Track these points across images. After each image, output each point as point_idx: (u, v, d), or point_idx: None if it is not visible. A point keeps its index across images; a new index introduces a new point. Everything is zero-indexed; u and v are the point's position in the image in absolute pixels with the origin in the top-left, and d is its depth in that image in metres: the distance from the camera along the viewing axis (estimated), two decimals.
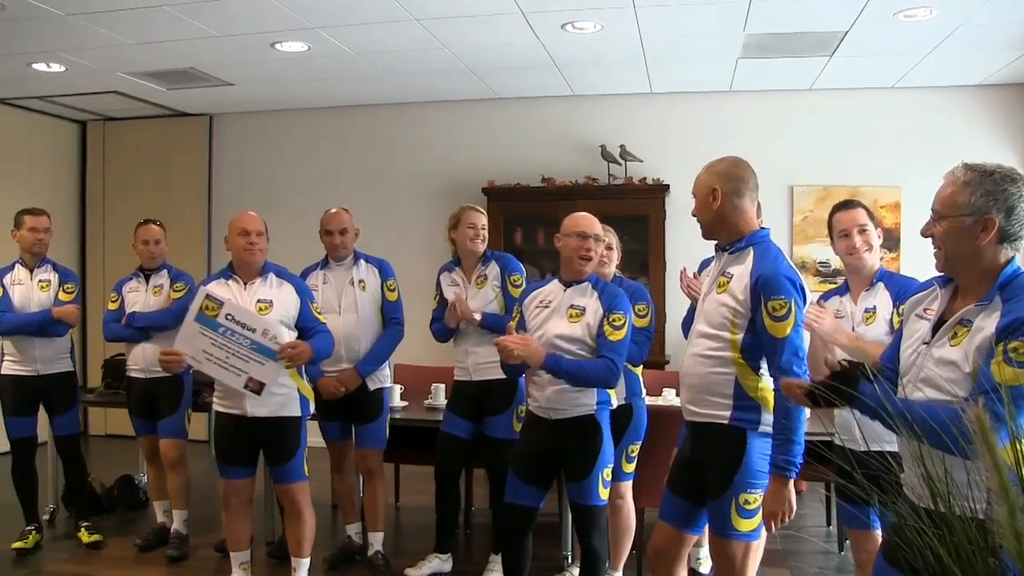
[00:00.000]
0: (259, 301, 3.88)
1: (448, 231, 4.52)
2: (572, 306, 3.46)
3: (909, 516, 1.62)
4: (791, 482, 2.73)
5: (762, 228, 2.91)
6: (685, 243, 6.55)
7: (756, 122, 6.91)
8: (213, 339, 3.69)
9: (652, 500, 4.36)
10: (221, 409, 3.95)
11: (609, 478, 3.54)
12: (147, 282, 4.97)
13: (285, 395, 3.88)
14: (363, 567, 4.65)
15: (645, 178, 6.85)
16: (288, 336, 3.82)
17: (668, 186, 6.77)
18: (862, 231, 3.35)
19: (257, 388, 3.72)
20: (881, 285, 3.34)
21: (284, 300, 3.92)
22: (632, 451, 4.09)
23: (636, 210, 6.81)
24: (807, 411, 2.70)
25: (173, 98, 7.35)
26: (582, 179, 6.97)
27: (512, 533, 3.65)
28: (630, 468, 4.12)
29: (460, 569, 4.62)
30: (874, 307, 3.31)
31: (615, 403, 3.68)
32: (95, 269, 8.30)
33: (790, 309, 2.70)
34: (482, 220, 4.48)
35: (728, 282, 2.83)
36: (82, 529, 5.07)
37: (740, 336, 2.77)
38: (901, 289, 3.22)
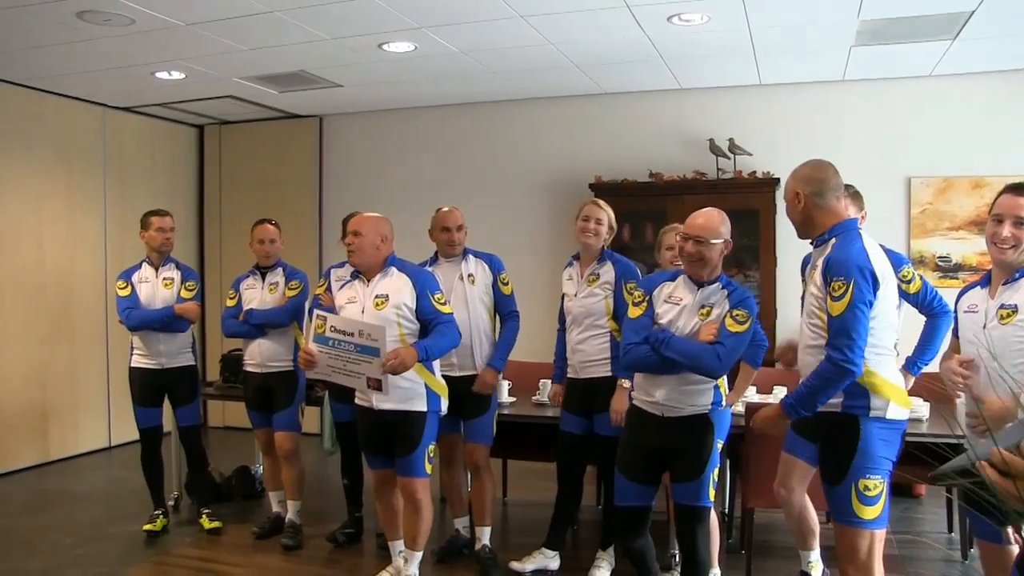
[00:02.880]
0: (376, 296, 3.99)
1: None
2: (703, 305, 3.45)
3: None
4: (787, 420, 3.11)
5: (849, 219, 3.05)
6: (795, 238, 6.42)
7: (871, 112, 6.73)
8: (329, 352, 3.87)
9: (761, 500, 4.33)
10: (358, 402, 4.11)
11: (718, 479, 3.52)
12: (263, 279, 5.17)
13: (410, 389, 3.96)
14: (470, 560, 4.74)
15: (755, 172, 6.76)
16: (381, 326, 3.83)
17: (778, 180, 6.64)
18: (1018, 223, 2.98)
19: (377, 386, 3.84)
20: None
21: (399, 293, 3.98)
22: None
23: (745, 205, 6.71)
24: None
25: (285, 101, 7.64)
26: (690, 174, 6.92)
27: (631, 536, 3.61)
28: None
29: (566, 566, 4.65)
30: (1015, 305, 2.95)
31: (725, 403, 3.63)
32: (212, 266, 8.70)
33: (847, 290, 2.85)
34: (597, 213, 4.39)
35: (815, 272, 3.02)
36: (203, 516, 5.34)
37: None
38: None
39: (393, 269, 4.07)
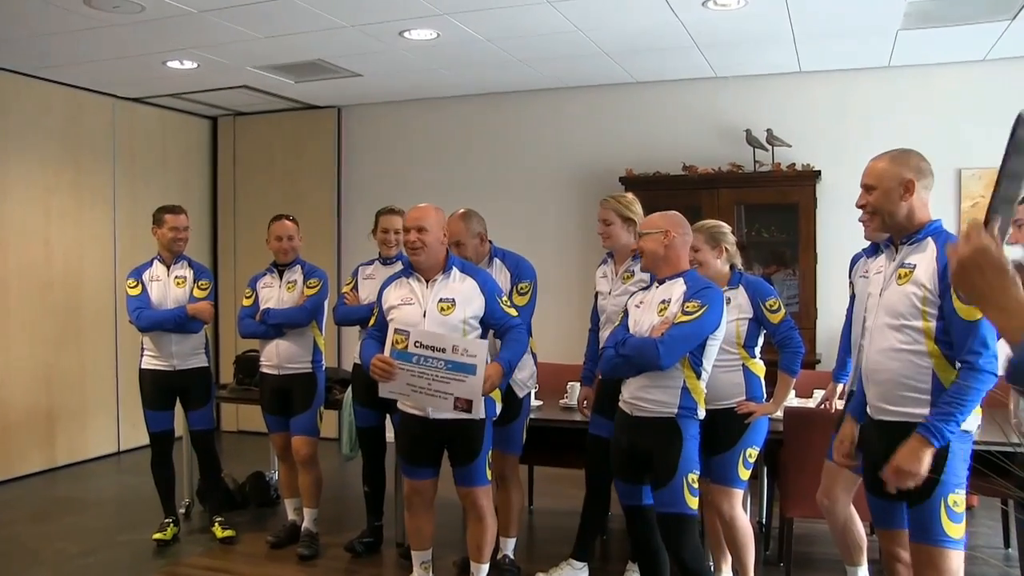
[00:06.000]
0: (441, 301, 3.88)
1: None
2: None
3: None
4: (930, 450, 2.73)
5: (936, 219, 2.95)
6: (837, 233, 6.46)
7: (919, 100, 6.67)
8: (411, 370, 3.77)
9: (800, 510, 4.30)
10: (406, 410, 4.03)
11: (696, 485, 3.51)
12: (280, 278, 5.19)
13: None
14: (492, 571, 4.73)
15: (794, 164, 6.72)
16: (479, 340, 3.80)
17: (819, 172, 6.62)
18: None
19: (466, 407, 3.76)
20: None
21: (468, 299, 3.89)
22: (751, 456, 3.95)
23: (784, 198, 6.69)
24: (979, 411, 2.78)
25: (301, 91, 7.68)
26: (726, 166, 6.89)
27: (640, 535, 3.75)
28: (746, 475, 3.98)
29: None
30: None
31: (702, 414, 3.58)
32: (226, 264, 8.77)
33: None
34: (603, 214, 4.40)
35: (911, 272, 2.89)
36: (216, 524, 5.36)
37: (933, 324, 2.83)
38: None
39: (455, 270, 3.96)
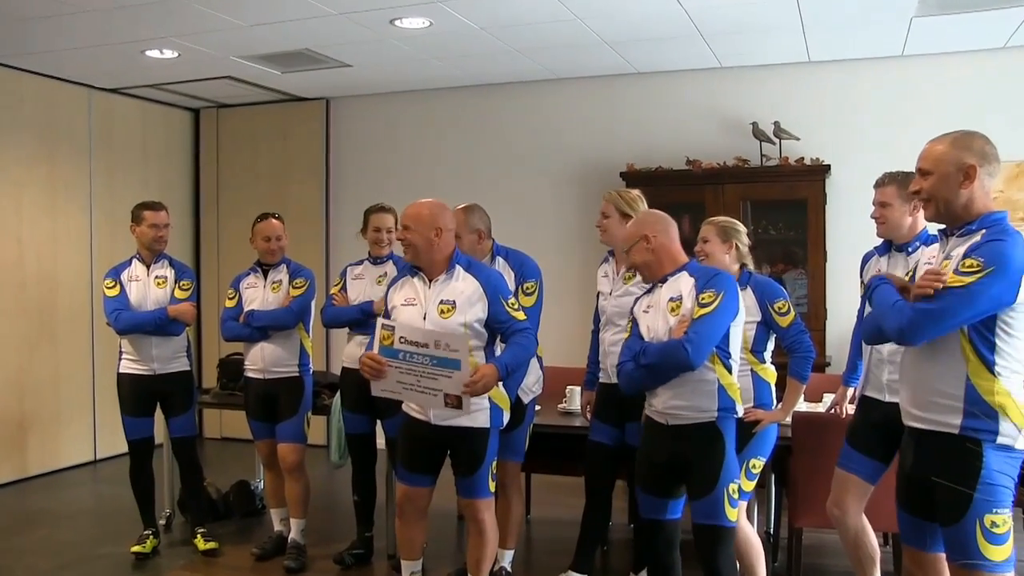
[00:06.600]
0: (441, 303, 3.83)
1: None
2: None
3: None
4: None
5: (999, 211, 2.81)
6: (847, 230, 6.47)
7: (933, 91, 6.66)
8: (399, 367, 3.75)
9: (810, 519, 4.30)
10: (410, 412, 4.00)
11: (737, 496, 3.48)
12: (265, 278, 5.17)
13: (476, 404, 3.82)
14: None
15: (802, 158, 6.71)
16: (460, 334, 3.74)
17: (829, 166, 6.61)
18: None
19: (456, 403, 3.72)
20: None
21: (470, 303, 3.83)
22: (754, 467, 3.97)
23: (792, 194, 6.69)
24: None
25: (288, 82, 7.66)
26: (731, 160, 6.89)
27: (656, 550, 3.66)
28: (750, 486, 3.99)
29: None
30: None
31: (741, 411, 3.57)
32: (209, 262, 8.76)
33: None
34: (603, 207, 4.44)
35: (950, 265, 2.75)
36: (198, 536, 5.34)
37: (967, 324, 2.70)
38: None
39: (459, 269, 3.90)
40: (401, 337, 3.74)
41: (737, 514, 3.50)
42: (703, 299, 3.39)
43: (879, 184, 3.86)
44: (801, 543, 4.43)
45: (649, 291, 3.70)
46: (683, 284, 3.52)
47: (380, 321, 3.87)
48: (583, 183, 7.51)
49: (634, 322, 3.67)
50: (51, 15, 5.61)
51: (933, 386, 2.77)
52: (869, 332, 3.07)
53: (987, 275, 2.61)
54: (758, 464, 3.98)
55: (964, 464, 2.69)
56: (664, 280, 3.59)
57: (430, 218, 3.85)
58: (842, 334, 5.96)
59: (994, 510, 2.67)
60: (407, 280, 4.00)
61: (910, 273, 3.05)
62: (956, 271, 2.67)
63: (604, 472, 4.52)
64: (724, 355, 3.45)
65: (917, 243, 3.77)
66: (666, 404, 3.48)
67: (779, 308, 4.01)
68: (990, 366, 2.69)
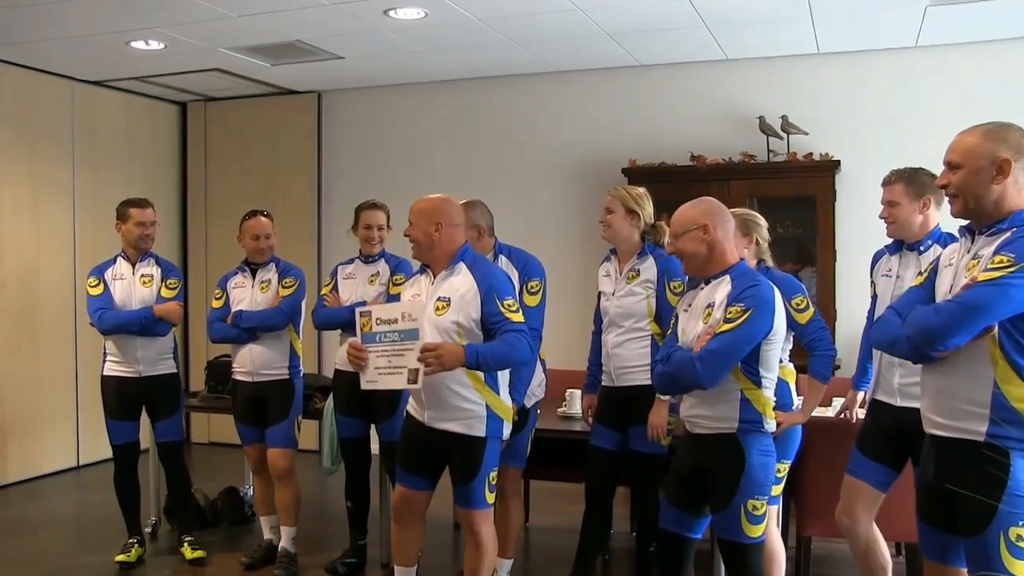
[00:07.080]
0: (438, 300, 3.81)
1: None
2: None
3: None
4: None
5: None
6: (858, 228, 6.46)
7: (949, 84, 6.65)
8: (376, 350, 3.76)
9: (819, 528, 4.30)
10: (409, 410, 4.00)
11: (759, 512, 3.35)
12: (253, 277, 5.16)
13: (467, 409, 3.78)
14: None
15: (811, 153, 6.72)
16: (420, 302, 3.77)
17: (839, 162, 6.62)
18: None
19: (414, 378, 3.68)
20: None
21: (464, 301, 3.78)
22: (778, 471, 3.90)
23: (800, 190, 6.69)
24: None
25: (279, 74, 7.66)
26: (737, 156, 6.89)
27: (667, 562, 3.61)
28: (776, 490, 3.95)
29: None
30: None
31: (772, 426, 3.42)
32: (196, 261, 8.76)
33: None
34: (607, 202, 4.40)
35: (978, 265, 2.68)
36: (185, 544, 5.34)
37: (996, 326, 2.61)
38: None
39: (461, 266, 3.86)
40: (377, 319, 3.77)
41: (762, 530, 3.38)
42: (730, 313, 3.25)
43: (886, 182, 3.85)
44: (810, 553, 4.43)
45: (693, 286, 3.60)
46: (721, 290, 3.37)
47: (357, 311, 3.89)
48: (583, 179, 7.51)
49: (676, 319, 3.58)
50: (38, 3, 5.60)
51: (957, 391, 2.69)
52: (883, 342, 2.96)
53: (1020, 270, 2.53)
54: (782, 468, 3.95)
55: (989, 474, 2.62)
56: (708, 281, 3.44)
57: (430, 213, 3.85)
58: (852, 335, 5.96)
59: (1020, 523, 2.60)
60: (417, 277, 4.04)
61: (924, 273, 3.02)
62: (986, 269, 2.60)
63: (605, 478, 4.50)
64: (751, 372, 3.30)
65: (929, 241, 3.76)
66: (688, 411, 3.44)
67: (797, 304, 3.97)
68: (1020, 371, 2.60)
